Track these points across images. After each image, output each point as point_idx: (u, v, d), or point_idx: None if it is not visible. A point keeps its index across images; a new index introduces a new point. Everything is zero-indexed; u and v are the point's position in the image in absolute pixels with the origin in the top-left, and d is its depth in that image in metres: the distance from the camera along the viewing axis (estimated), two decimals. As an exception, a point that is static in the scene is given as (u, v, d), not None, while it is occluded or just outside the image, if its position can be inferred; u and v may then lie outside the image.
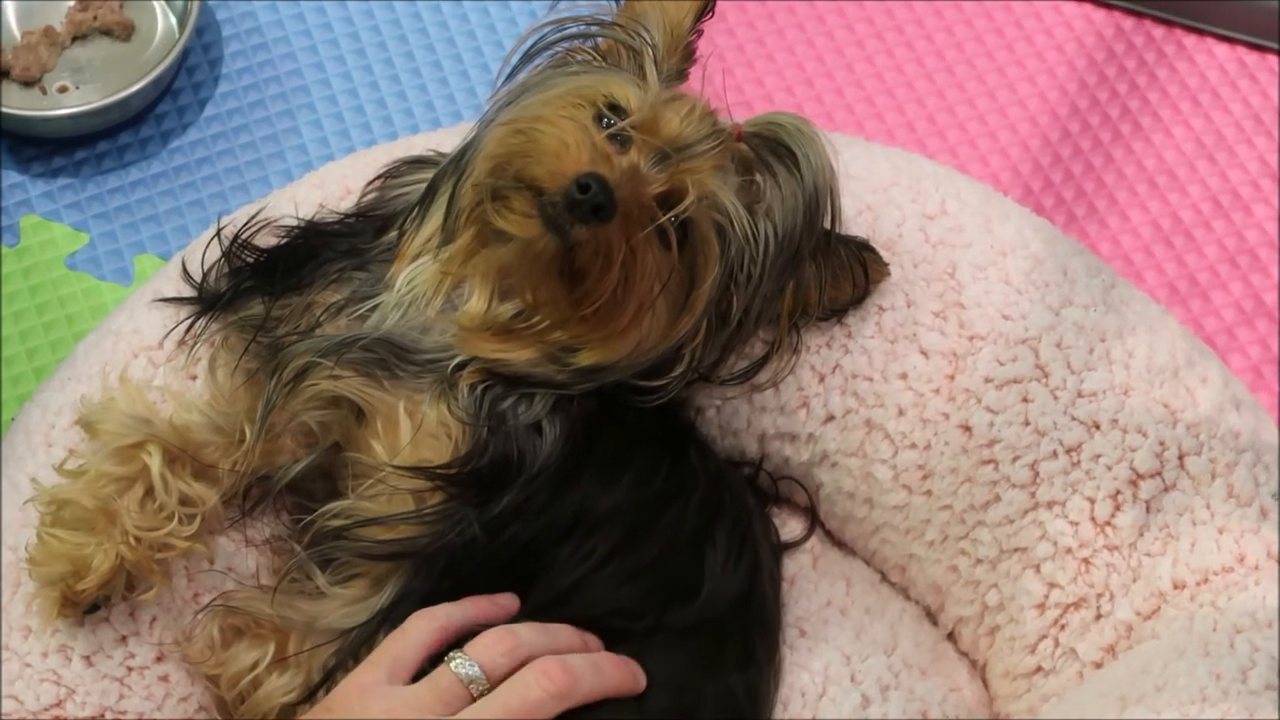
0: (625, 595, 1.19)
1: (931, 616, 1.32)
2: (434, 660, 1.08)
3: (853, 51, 1.69)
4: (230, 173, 1.59)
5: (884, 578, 1.34)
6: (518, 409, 1.16)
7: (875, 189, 1.31)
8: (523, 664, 1.07)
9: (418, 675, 1.07)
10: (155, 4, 1.65)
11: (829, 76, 1.67)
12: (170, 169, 1.59)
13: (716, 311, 1.18)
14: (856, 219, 1.29)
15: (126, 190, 1.58)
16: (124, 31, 1.63)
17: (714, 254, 1.16)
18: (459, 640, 1.09)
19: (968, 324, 1.26)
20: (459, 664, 1.06)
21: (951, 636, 1.31)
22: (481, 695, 1.05)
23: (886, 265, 1.26)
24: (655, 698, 1.15)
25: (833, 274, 1.23)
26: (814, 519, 1.33)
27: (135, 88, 1.56)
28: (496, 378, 1.16)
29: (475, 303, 1.17)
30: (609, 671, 1.10)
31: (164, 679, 1.19)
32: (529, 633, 1.09)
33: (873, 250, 1.26)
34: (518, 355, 1.16)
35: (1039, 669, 1.24)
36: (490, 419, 1.15)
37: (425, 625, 1.09)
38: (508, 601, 1.14)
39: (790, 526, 1.33)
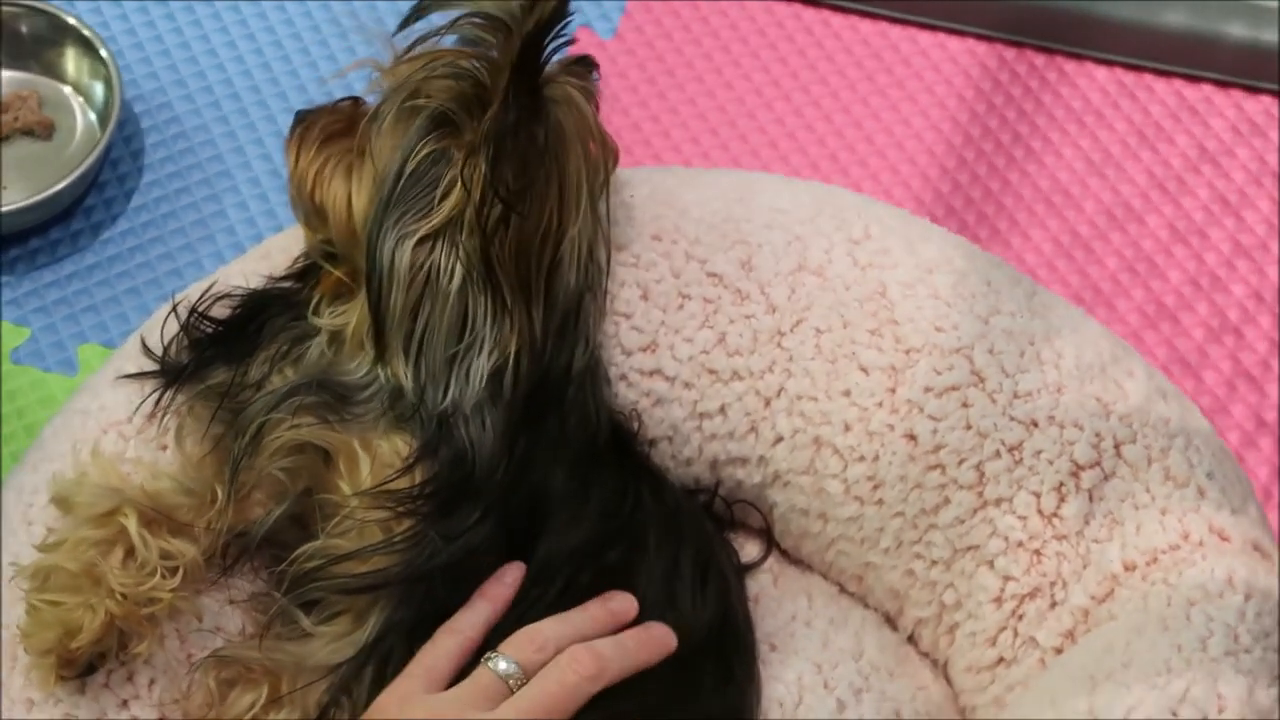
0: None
1: (891, 622, 1.36)
2: (462, 671, 1.12)
3: (753, 100, 1.76)
4: (163, 259, 1.63)
5: (842, 589, 1.37)
6: (463, 397, 1.20)
7: (802, 220, 1.35)
8: (552, 655, 1.12)
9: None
10: (73, 102, 1.68)
11: (733, 123, 1.74)
12: (104, 259, 1.62)
13: None
14: (786, 249, 1.33)
15: (63, 283, 1.61)
16: (45, 131, 1.66)
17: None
18: (484, 646, 1.14)
19: (903, 339, 1.30)
20: (496, 662, 1.11)
21: (912, 640, 1.35)
22: (519, 688, 1.10)
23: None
24: None
25: None
26: (770, 539, 1.37)
27: (63, 184, 1.59)
28: None
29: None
30: (633, 649, 1.16)
31: (166, 738, 1.21)
32: (553, 626, 1.15)
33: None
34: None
35: (1001, 660, 1.27)
36: (438, 422, 1.19)
37: (453, 638, 1.14)
38: (513, 575, 1.19)
39: (747, 549, 1.36)
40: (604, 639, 1.15)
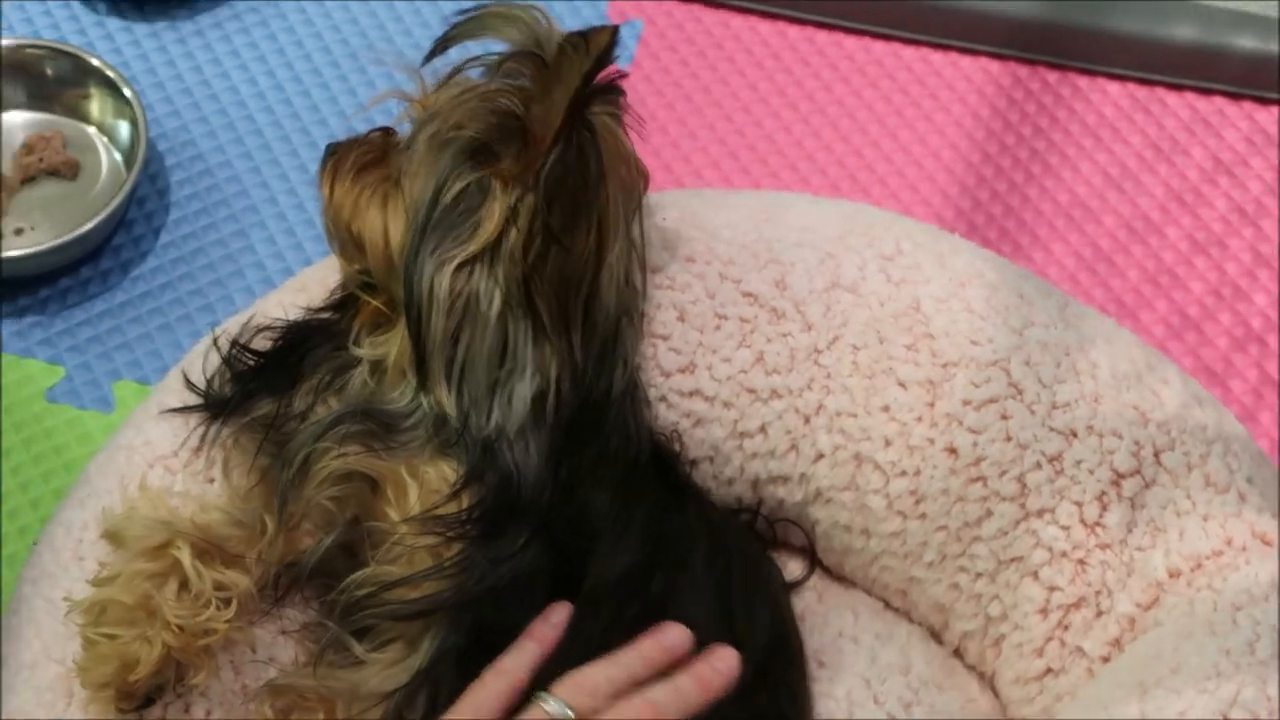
0: None
1: (936, 636, 1.36)
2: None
3: (771, 123, 1.77)
4: (193, 295, 1.63)
5: (887, 604, 1.38)
6: (506, 422, 1.20)
7: (832, 238, 1.36)
8: (605, 700, 1.11)
9: None
10: (98, 142, 1.69)
11: (752, 147, 1.75)
12: (134, 297, 1.63)
13: None
14: (819, 266, 1.35)
15: (95, 321, 1.62)
16: (70, 171, 1.67)
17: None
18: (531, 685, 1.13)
19: (939, 353, 1.31)
20: (548, 703, 1.09)
21: (958, 653, 1.35)
22: None
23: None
24: None
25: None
26: (813, 557, 1.38)
27: (93, 223, 1.60)
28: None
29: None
30: (691, 692, 1.13)
31: (224, 770, 1.22)
32: (604, 669, 1.12)
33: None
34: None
35: (1049, 670, 1.28)
36: (482, 443, 1.20)
37: (501, 679, 1.13)
38: (559, 616, 1.18)
39: (790, 568, 1.38)
40: (660, 686, 1.13)
